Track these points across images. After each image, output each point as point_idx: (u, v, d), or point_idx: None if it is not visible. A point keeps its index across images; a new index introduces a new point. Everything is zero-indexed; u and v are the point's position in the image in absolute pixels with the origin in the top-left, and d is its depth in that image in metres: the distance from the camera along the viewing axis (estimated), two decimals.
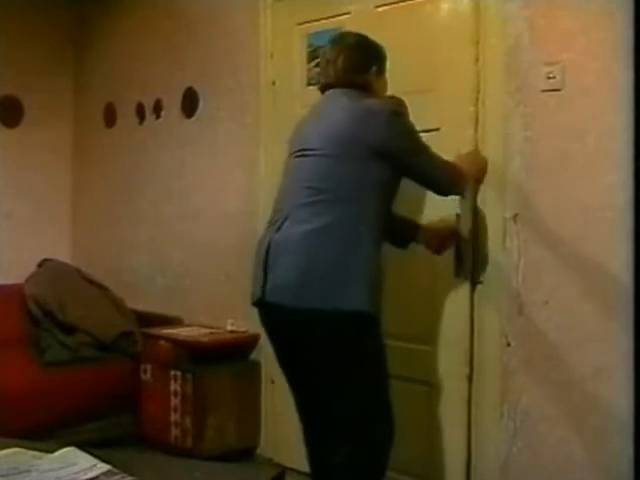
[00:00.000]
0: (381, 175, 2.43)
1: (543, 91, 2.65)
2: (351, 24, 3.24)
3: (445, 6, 2.97)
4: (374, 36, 2.67)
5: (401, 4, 3.09)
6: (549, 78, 2.62)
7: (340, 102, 2.50)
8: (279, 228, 2.42)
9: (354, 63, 2.55)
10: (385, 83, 2.65)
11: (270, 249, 2.41)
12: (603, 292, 2.54)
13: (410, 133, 2.49)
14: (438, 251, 2.83)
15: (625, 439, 2.45)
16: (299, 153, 2.52)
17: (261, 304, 2.47)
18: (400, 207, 2.68)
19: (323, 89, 2.61)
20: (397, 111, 2.47)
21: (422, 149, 2.52)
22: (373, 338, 2.42)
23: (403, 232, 2.77)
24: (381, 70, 2.62)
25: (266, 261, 2.41)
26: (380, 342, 2.45)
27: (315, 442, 2.60)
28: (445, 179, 2.59)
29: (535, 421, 2.70)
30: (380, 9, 3.16)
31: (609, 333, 2.51)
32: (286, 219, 2.42)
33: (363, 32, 2.70)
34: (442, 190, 2.64)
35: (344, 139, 2.41)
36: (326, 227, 2.34)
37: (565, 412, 2.64)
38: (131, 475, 1.50)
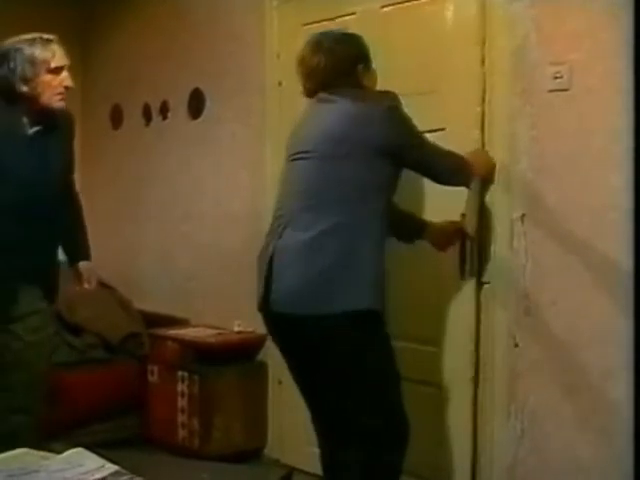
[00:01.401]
0: (380, 175, 2.42)
1: (550, 91, 2.64)
2: (356, 25, 3.23)
3: (451, 6, 2.96)
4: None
5: (407, 4, 3.08)
6: (556, 78, 2.62)
7: (334, 103, 2.46)
8: (280, 235, 2.42)
9: (339, 67, 2.49)
10: (374, 77, 2.60)
11: (274, 258, 2.41)
12: (610, 293, 2.53)
13: (408, 127, 2.46)
14: (443, 248, 2.83)
15: (632, 440, 2.44)
16: (296, 156, 2.50)
17: (266, 312, 2.49)
18: (405, 207, 2.67)
19: (310, 94, 2.55)
20: (393, 106, 2.43)
21: (422, 141, 2.50)
22: (378, 337, 2.43)
23: (410, 229, 2.77)
24: (368, 66, 2.56)
25: (269, 270, 2.41)
26: (386, 340, 2.46)
27: (327, 446, 2.60)
28: (450, 168, 2.57)
29: (542, 422, 2.69)
30: (385, 9, 3.15)
31: (617, 334, 2.50)
32: (286, 226, 2.41)
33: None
34: (447, 179, 2.61)
35: (340, 140, 2.38)
36: (325, 232, 2.34)
37: (572, 413, 2.63)
38: (139, 476, 1.50)
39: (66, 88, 2.72)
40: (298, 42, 3.51)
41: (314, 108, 2.54)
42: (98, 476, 1.54)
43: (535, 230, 2.70)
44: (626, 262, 2.46)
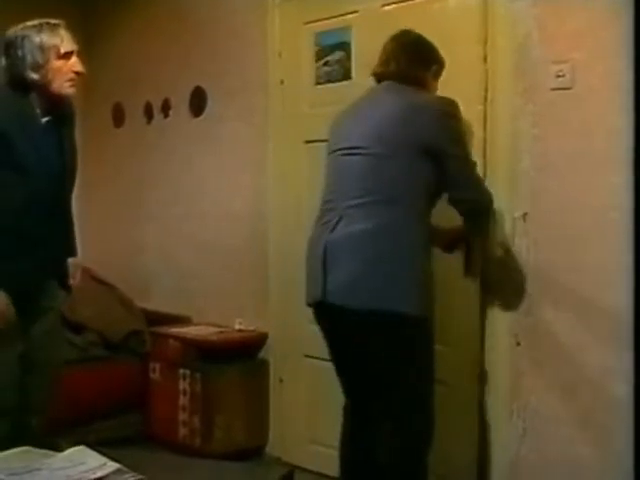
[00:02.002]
0: (428, 175, 2.42)
1: (552, 90, 2.64)
2: (358, 23, 3.25)
3: (453, 5, 2.96)
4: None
5: (408, 3, 3.08)
6: (558, 77, 2.62)
7: (388, 98, 2.48)
8: (334, 228, 2.43)
9: (416, 57, 2.56)
10: (436, 89, 2.63)
11: (327, 250, 2.42)
12: (611, 292, 2.53)
13: (455, 135, 2.45)
14: (449, 249, 2.82)
15: (632, 438, 2.44)
16: (346, 151, 2.49)
17: (320, 304, 2.49)
18: None
19: (379, 79, 2.59)
20: (446, 111, 2.44)
21: (464, 157, 2.48)
22: (422, 339, 2.45)
23: None
24: (438, 73, 2.62)
25: (325, 262, 2.42)
26: (429, 342, 2.48)
27: (357, 440, 2.61)
28: (482, 195, 2.57)
29: (544, 420, 2.70)
30: (387, 8, 3.15)
31: (617, 333, 2.50)
32: (340, 219, 2.42)
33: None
34: (476, 208, 2.60)
35: (391, 138, 2.40)
36: (379, 228, 2.37)
37: (574, 412, 2.63)
38: (140, 474, 1.51)
39: (77, 74, 2.66)
40: (300, 40, 3.55)
41: (367, 98, 2.57)
42: (100, 474, 1.54)
43: (537, 229, 2.70)
44: (626, 261, 2.46)
